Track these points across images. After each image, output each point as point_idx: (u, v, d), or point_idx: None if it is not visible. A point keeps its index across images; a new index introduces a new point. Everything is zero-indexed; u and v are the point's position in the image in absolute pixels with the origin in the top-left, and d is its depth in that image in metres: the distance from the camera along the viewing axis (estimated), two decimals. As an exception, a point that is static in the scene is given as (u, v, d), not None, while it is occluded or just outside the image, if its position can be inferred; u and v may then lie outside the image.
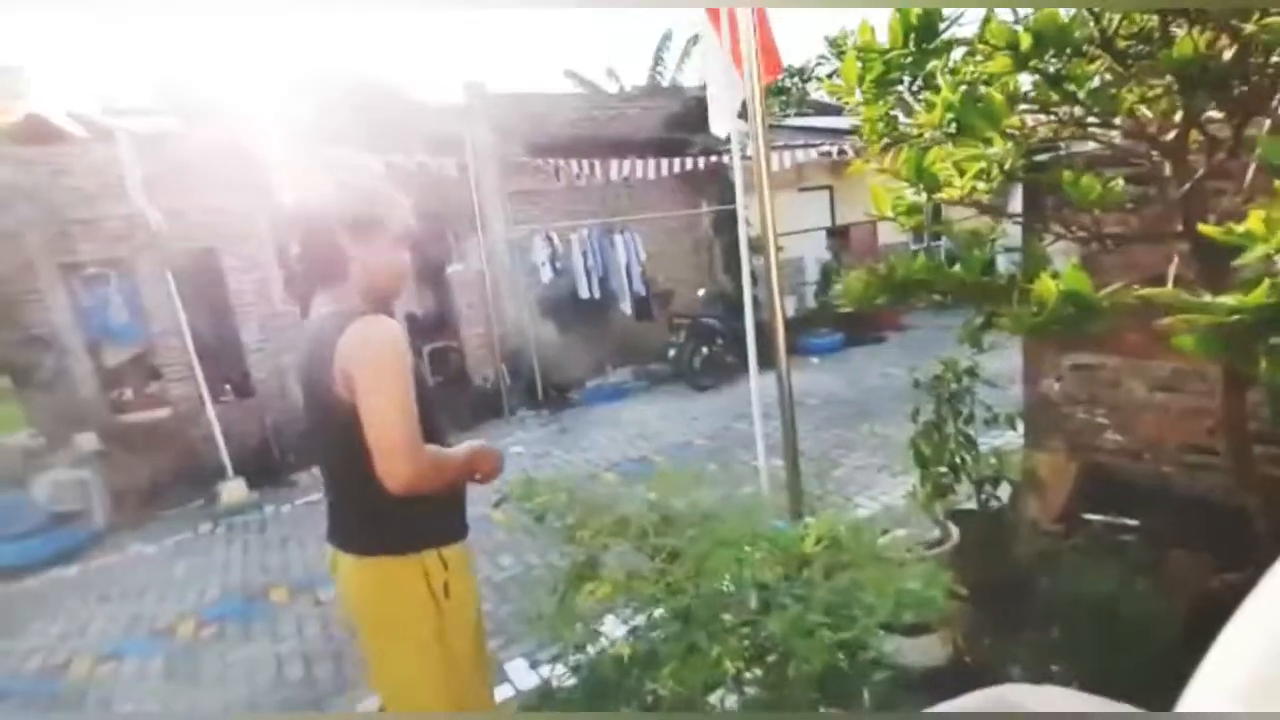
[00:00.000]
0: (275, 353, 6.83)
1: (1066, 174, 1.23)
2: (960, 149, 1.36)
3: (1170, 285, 1.08)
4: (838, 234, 11.00)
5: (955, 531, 2.26)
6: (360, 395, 1.33)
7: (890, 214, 1.64)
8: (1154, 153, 1.62)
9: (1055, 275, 1.26)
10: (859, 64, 1.68)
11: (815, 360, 8.59)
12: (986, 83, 1.33)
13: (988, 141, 1.29)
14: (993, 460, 2.54)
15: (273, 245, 6.71)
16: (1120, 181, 1.26)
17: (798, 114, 12.91)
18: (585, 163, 7.74)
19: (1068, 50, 1.19)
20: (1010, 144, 1.34)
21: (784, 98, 10.22)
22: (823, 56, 18.54)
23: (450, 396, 8.34)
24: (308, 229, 1.51)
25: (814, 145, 9.10)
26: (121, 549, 5.18)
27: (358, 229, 1.49)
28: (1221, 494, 2.64)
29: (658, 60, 17.32)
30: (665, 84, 14.15)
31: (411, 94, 7.59)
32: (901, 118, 1.82)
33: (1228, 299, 0.96)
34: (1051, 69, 1.22)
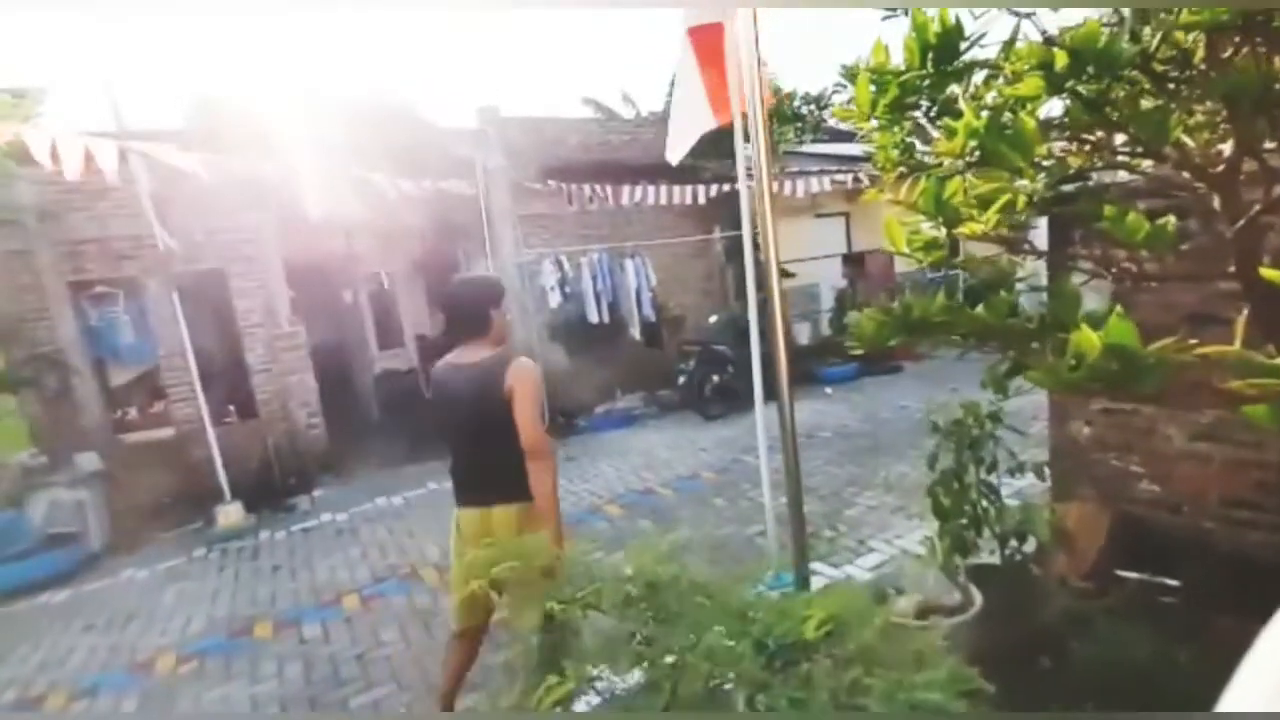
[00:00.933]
0: (280, 374, 6.77)
1: (1109, 209, 1.08)
2: (984, 180, 1.21)
3: (1238, 343, 0.92)
4: (853, 261, 10.84)
5: (978, 597, 2.06)
6: (518, 402, 2.30)
7: (905, 249, 1.49)
8: (1199, 185, 1.46)
9: (1094, 323, 1.11)
10: (873, 87, 1.55)
11: (829, 390, 8.38)
12: (1013, 109, 1.18)
13: (1016, 172, 1.14)
14: (1017, 511, 2.34)
15: (279, 266, 6.69)
16: (1172, 220, 1.10)
17: (814, 140, 12.85)
18: (597, 187, 7.69)
19: (1108, 72, 1.04)
20: (1041, 175, 1.19)
21: (799, 124, 10.16)
22: (839, 84, 18.49)
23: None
24: (465, 306, 2.51)
25: (829, 173, 9.01)
26: (113, 573, 5.07)
27: (496, 304, 2.50)
28: (1271, 553, 2.42)
29: (673, 86, 17.45)
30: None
31: (425, 117, 7.61)
32: (919, 145, 1.68)
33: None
34: (1089, 92, 1.07)
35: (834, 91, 19.05)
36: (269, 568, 4.81)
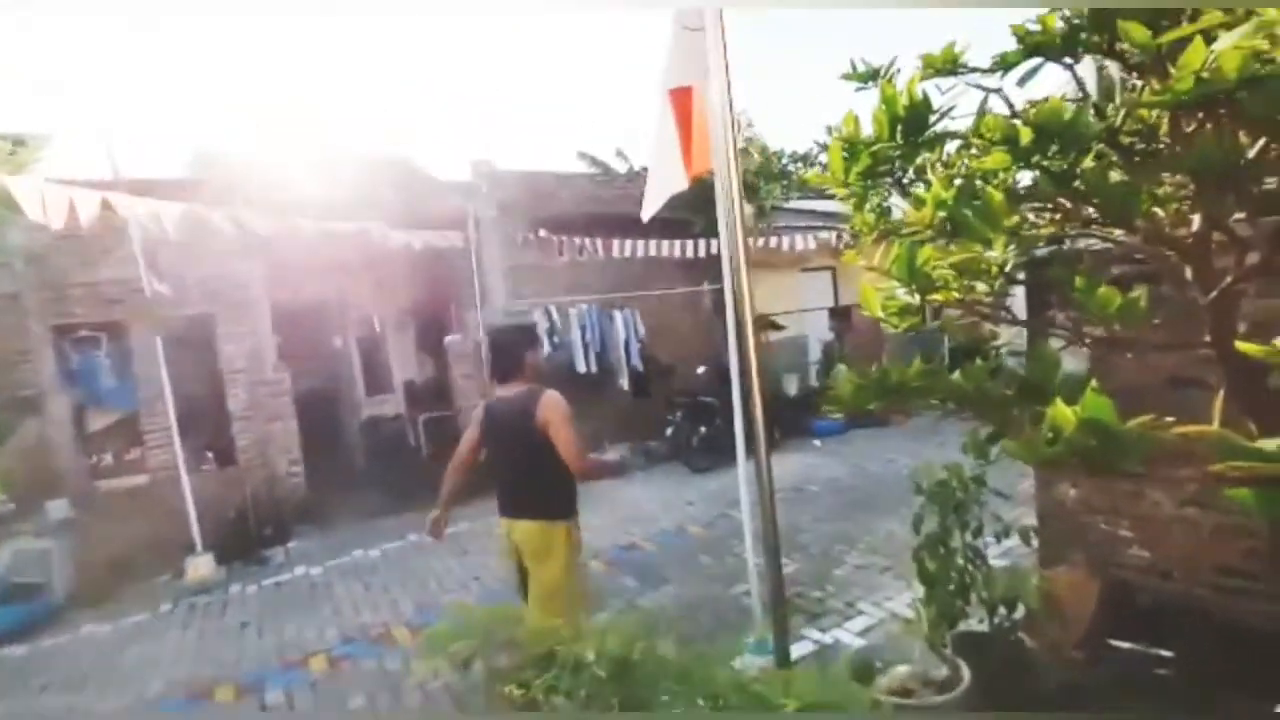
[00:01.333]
0: (262, 420, 6.67)
1: (1080, 281, 1.08)
2: (956, 249, 1.21)
3: (1217, 421, 0.90)
4: (840, 314, 10.95)
5: (966, 671, 1.97)
6: (554, 431, 2.69)
7: (880, 314, 1.48)
8: (1171, 254, 1.47)
9: (1071, 393, 1.09)
10: (845, 155, 1.57)
11: (817, 443, 8.32)
12: (984, 178, 1.19)
13: (986, 243, 1.14)
14: (1005, 577, 2.28)
15: (268, 311, 6.67)
16: (1143, 293, 1.10)
17: (800, 197, 13.17)
18: (589, 240, 7.78)
19: (1073, 147, 1.05)
20: (1011, 245, 1.19)
21: (785, 182, 10.43)
22: (824, 144, 19.19)
23: (443, 468, 8.09)
24: (503, 349, 2.94)
25: (815, 228, 9.18)
26: (75, 628, 4.85)
27: (530, 348, 2.96)
28: (1265, 622, 2.36)
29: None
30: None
31: (419, 168, 7.75)
32: (895, 209, 1.70)
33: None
34: (1055, 166, 1.08)
35: (820, 151, 19.68)
36: (237, 624, 4.61)
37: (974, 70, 1.49)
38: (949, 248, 1.25)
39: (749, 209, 11.00)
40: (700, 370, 8.56)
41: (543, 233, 7.80)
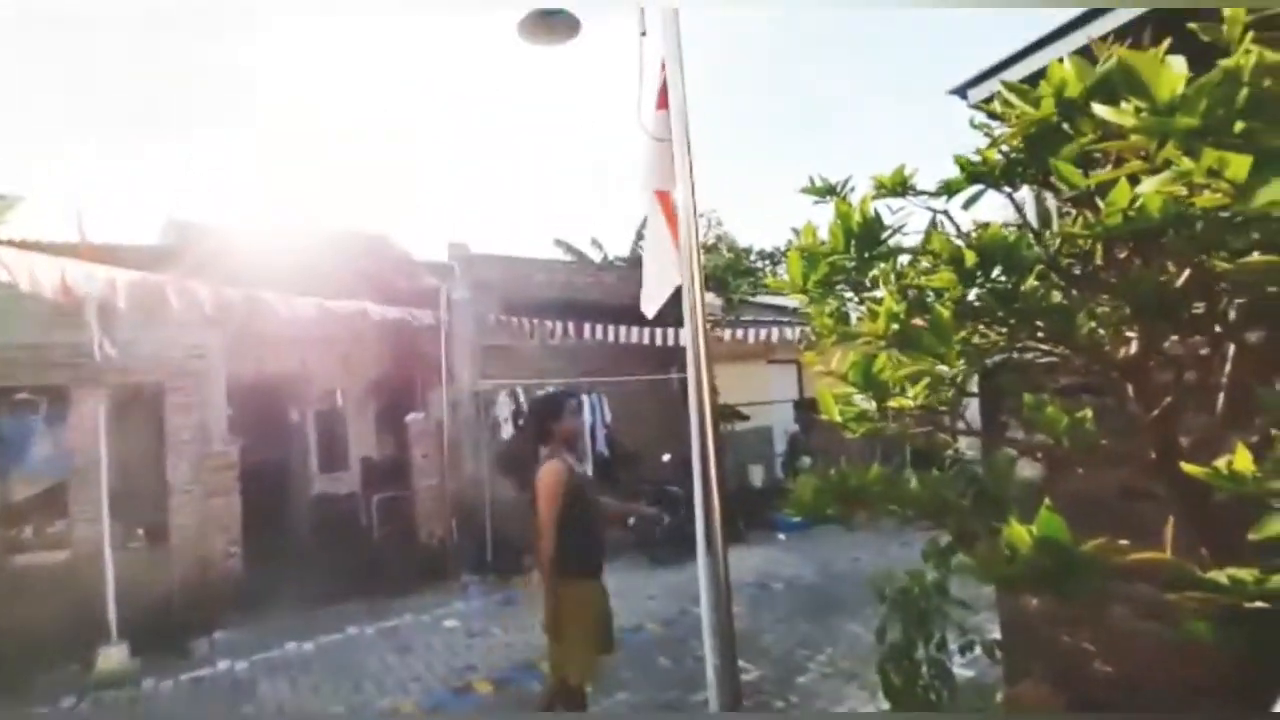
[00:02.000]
0: (204, 496, 6.31)
1: (1029, 399, 1.10)
2: (909, 360, 1.24)
3: (1169, 547, 0.90)
4: (805, 406, 11.10)
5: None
6: (538, 498, 3.01)
7: (839, 418, 1.49)
8: (1113, 372, 1.53)
9: (1024, 510, 1.08)
10: (803, 263, 1.63)
11: (782, 536, 8.19)
12: (935, 294, 1.24)
13: (938, 356, 1.17)
14: (972, 695, 2.19)
15: (222, 382, 6.47)
16: (1089, 413, 1.13)
17: (767, 292, 13.67)
18: (559, 324, 7.86)
19: (1014, 270, 1.11)
20: (962, 360, 1.23)
21: (752, 278, 10.87)
22: (792, 245, 20.31)
23: (393, 552, 7.69)
24: (530, 417, 3.42)
25: (781, 323, 9.45)
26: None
27: (555, 418, 3.20)
28: (1233, 747, 2.29)
29: (640, 236, 18.64)
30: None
31: (394, 246, 7.85)
32: (850, 316, 1.75)
33: (1246, 575, 0.77)
34: (999, 288, 1.13)
35: (786, 249, 20.72)
36: (143, 728, 4.17)
37: (922, 193, 1.59)
38: (901, 358, 1.28)
39: (718, 302, 11.32)
40: (666, 458, 8.49)
41: (514, 318, 7.87)
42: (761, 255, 14.98)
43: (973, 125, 1.74)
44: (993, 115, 1.39)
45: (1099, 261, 1.39)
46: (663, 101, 2.90)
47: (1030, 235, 1.16)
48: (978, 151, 1.45)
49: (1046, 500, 1.04)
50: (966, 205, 1.58)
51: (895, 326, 1.22)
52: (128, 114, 37.76)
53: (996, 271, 1.14)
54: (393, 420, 9.37)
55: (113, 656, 5.04)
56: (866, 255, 1.37)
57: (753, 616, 5.38)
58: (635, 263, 12.18)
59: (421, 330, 7.40)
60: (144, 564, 5.90)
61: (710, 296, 10.96)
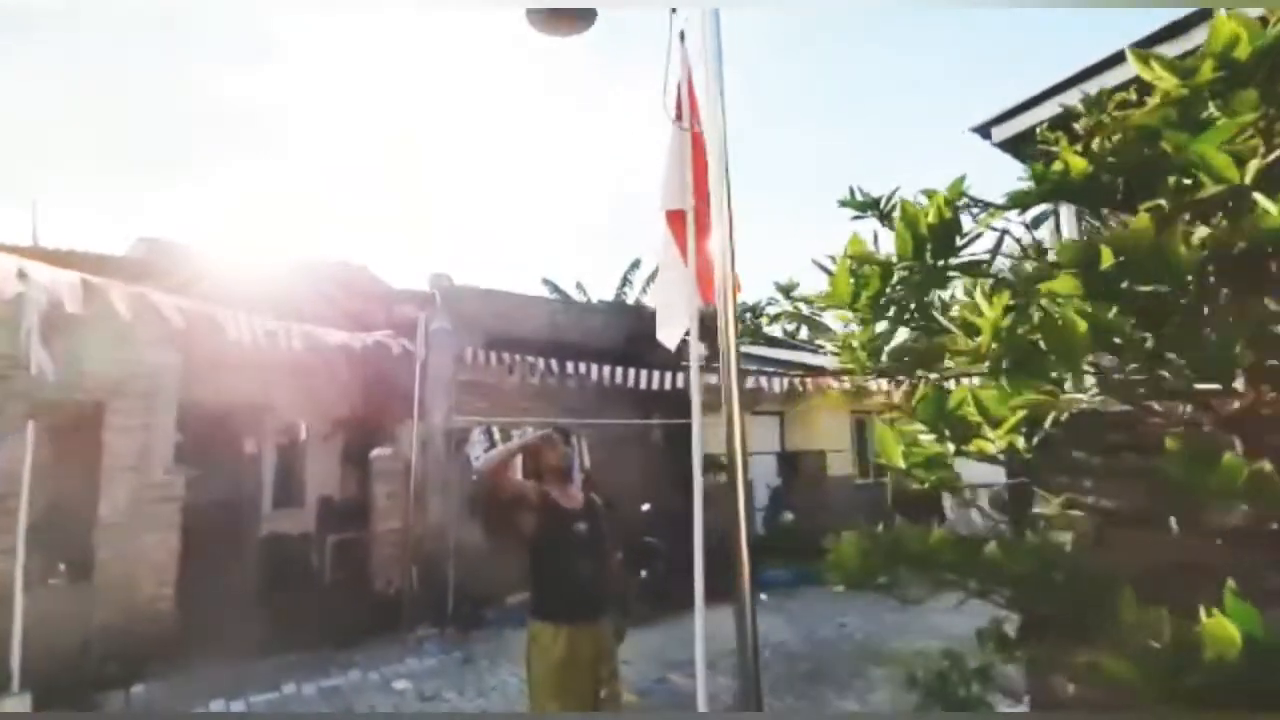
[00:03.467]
0: (138, 529, 5.74)
1: (1173, 444, 0.84)
2: (1013, 390, 0.98)
3: None
4: (787, 459, 10.82)
5: None
6: None
7: (901, 464, 1.21)
8: (1211, 425, 1.28)
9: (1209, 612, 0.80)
10: (853, 279, 1.39)
11: (764, 596, 7.76)
12: (1052, 301, 0.98)
13: (1056, 382, 0.91)
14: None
15: (173, 406, 6.00)
16: (1266, 465, 0.86)
17: (751, 343, 13.58)
18: (541, 361, 7.56)
19: (1165, 278, 0.86)
20: (1093, 389, 0.97)
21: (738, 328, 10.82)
22: (772, 298, 20.51)
23: (345, 599, 7.10)
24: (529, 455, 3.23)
25: (765, 372, 9.25)
26: None
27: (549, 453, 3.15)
28: None
29: (624, 282, 18.58)
30: (630, 303, 14.97)
31: (371, 273, 7.55)
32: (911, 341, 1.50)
33: None
34: (1142, 298, 0.88)
35: (769, 303, 20.78)
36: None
37: (986, 205, 1.36)
38: (1004, 386, 1.01)
39: (703, 350, 11.14)
40: (645, 508, 8.09)
41: (494, 354, 7.54)
42: (743, 307, 14.95)
43: (1038, 140, 1.53)
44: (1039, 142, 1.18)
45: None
46: (679, 113, 2.74)
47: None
48: (1056, 160, 1.23)
49: (1230, 583, 0.77)
50: (1034, 224, 1.36)
51: (993, 345, 0.97)
52: (108, 129, 37.40)
53: (1134, 281, 0.89)
54: (358, 456, 8.86)
55: (10, 707, 4.42)
56: (940, 265, 1.12)
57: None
58: (619, 308, 12.00)
59: (396, 361, 7.03)
60: (61, 604, 5.30)
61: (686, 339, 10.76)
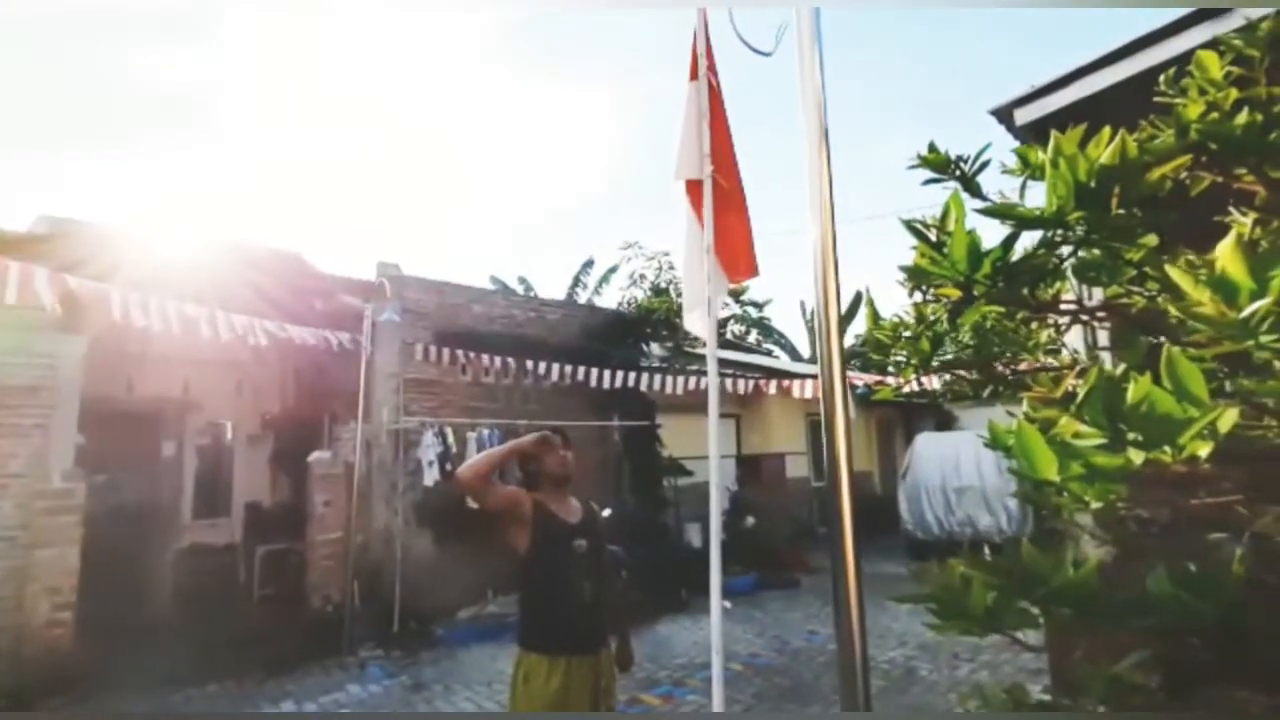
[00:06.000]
0: (30, 545, 5.01)
1: None
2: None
3: None
4: (747, 463, 10.69)
5: None
6: None
7: (1056, 478, 0.93)
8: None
9: None
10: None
11: (728, 604, 7.52)
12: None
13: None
14: None
15: (74, 403, 5.29)
16: None
17: (703, 346, 13.40)
18: (496, 359, 7.12)
19: None
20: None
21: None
22: (735, 316, 20.64)
23: (276, 618, 6.46)
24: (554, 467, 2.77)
25: (725, 374, 9.05)
26: None
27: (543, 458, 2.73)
28: None
29: (576, 282, 18.17)
30: (581, 303, 14.62)
31: (307, 261, 6.94)
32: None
33: None
34: None
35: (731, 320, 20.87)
36: None
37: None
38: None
39: (662, 351, 10.87)
40: (605, 513, 7.72)
41: (446, 350, 7.05)
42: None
43: (1158, 91, 1.29)
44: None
45: None
46: (694, 72, 2.44)
47: None
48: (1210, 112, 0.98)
49: None
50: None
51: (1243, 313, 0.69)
52: (35, 113, 34.40)
53: None
54: (292, 460, 8.16)
55: None
56: (1128, 212, 0.85)
57: (713, 706, 4.67)
58: (575, 306, 11.61)
59: (338, 356, 6.46)
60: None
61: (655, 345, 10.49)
